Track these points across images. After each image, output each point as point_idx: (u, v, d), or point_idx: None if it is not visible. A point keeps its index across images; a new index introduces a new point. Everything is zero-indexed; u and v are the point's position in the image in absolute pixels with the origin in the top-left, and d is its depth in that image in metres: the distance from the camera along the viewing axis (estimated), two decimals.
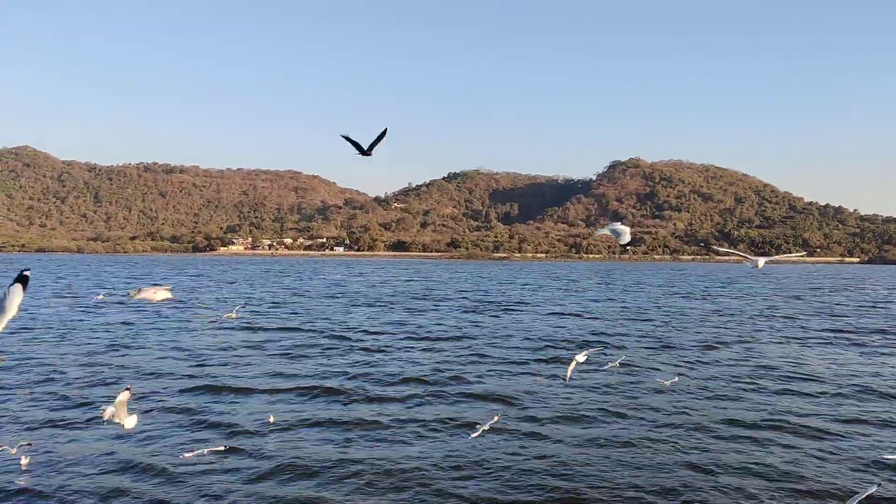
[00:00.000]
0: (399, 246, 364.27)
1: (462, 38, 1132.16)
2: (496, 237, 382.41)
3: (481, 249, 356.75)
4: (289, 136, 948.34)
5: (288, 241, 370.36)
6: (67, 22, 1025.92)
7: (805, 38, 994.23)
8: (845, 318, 51.49)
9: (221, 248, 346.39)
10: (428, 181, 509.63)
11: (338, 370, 26.91)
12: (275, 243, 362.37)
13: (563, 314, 52.40)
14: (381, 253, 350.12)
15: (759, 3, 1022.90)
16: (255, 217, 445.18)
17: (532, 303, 63.18)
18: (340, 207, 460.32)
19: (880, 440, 17.92)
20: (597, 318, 49.41)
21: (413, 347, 33.88)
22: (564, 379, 13.96)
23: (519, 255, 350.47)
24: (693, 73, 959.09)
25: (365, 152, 9.19)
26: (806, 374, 27.11)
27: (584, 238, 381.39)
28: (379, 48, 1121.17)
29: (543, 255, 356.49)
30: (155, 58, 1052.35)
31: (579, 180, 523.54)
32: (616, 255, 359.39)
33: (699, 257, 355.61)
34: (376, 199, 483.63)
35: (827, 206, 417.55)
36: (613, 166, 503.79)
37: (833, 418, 20.18)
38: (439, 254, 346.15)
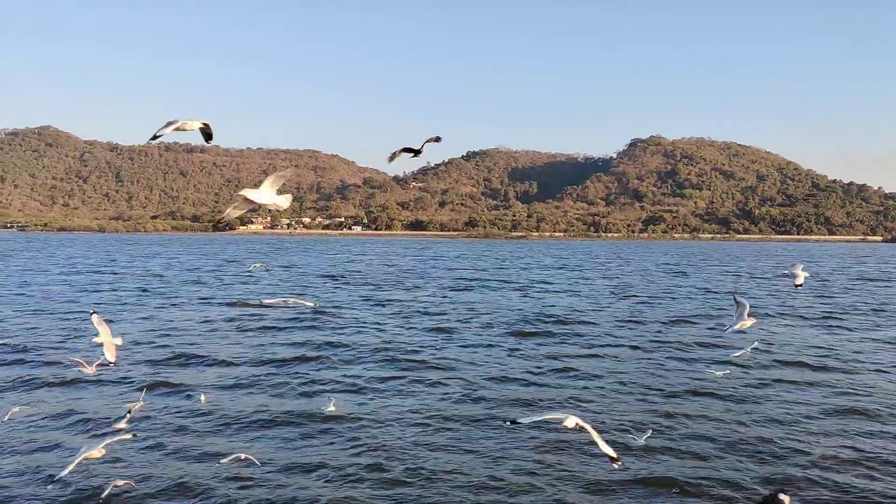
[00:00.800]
0: (416, 225, 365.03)
1: (481, 16, 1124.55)
2: (514, 216, 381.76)
3: (499, 228, 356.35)
4: (308, 115, 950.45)
5: (306, 220, 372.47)
6: (87, 2, 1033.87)
7: (827, 12, 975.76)
8: (829, 298, 51.87)
9: (241, 227, 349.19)
10: (446, 160, 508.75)
11: (300, 343, 28.19)
12: (293, 222, 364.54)
13: (548, 292, 53.31)
14: (398, 232, 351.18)
15: None
16: None
17: (522, 281, 64.13)
18: (359, 187, 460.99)
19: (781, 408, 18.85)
20: (579, 296, 50.25)
21: (385, 323, 35.08)
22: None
23: (536, 234, 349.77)
24: (715, 50, 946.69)
25: (417, 152, 9.26)
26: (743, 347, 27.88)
27: (602, 217, 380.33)
28: (397, 27, 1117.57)
29: (561, 233, 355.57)
30: (174, 39, 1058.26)
31: (599, 158, 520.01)
32: (635, 234, 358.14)
33: (718, 236, 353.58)
34: (395, 178, 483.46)
35: (851, 183, 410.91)
36: (634, 144, 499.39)
37: (740, 385, 21.12)
38: (457, 233, 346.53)
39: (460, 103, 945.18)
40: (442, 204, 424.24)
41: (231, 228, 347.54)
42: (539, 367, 23.86)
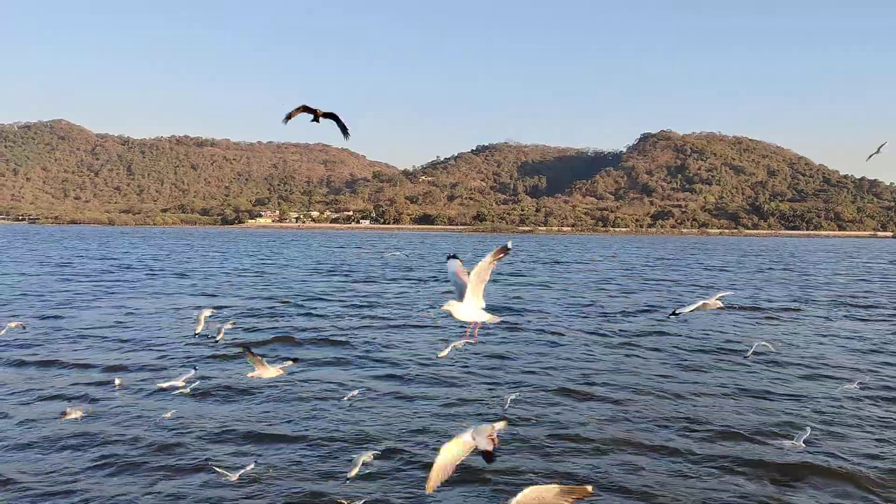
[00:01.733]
0: (425, 219, 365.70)
1: (490, 10, 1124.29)
2: (522, 210, 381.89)
3: (506, 223, 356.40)
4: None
5: (315, 214, 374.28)
6: (101, 9, 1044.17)
7: (840, 6, 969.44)
8: (799, 291, 52.31)
9: (249, 221, 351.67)
10: (456, 154, 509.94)
11: (243, 329, 29.14)
12: (302, 216, 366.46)
13: (521, 284, 54.01)
14: (406, 226, 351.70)
15: None
16: (285, 190, 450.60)
17: (501, 273, 64.83)
18: (368, 181, 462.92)
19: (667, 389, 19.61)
20: (549, 288, 50.94)
21: (336, 312, 35.97)
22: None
23: (544, 228, 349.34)
24: (727, 43, 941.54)
25: (315, 116, 8.54)
26: (678, 336, 28.64)
27: (611, 211, 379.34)
28: (407, 21, 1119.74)
29: (569, 228, 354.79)
30: (186, 35, 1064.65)
31: (609, 153, 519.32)
32: (643, 229, 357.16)
33: (727, 231, 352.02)
34: (404, 172, 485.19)
35: (862, 179, 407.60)
36: (644, 138, 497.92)
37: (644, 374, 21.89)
38: (464, 227, 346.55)
39: (470, 96, 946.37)
40: (451, 198, 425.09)
41: (240, 222, 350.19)
42: (459, 350, 24.71)
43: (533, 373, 21.76)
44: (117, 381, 18.96)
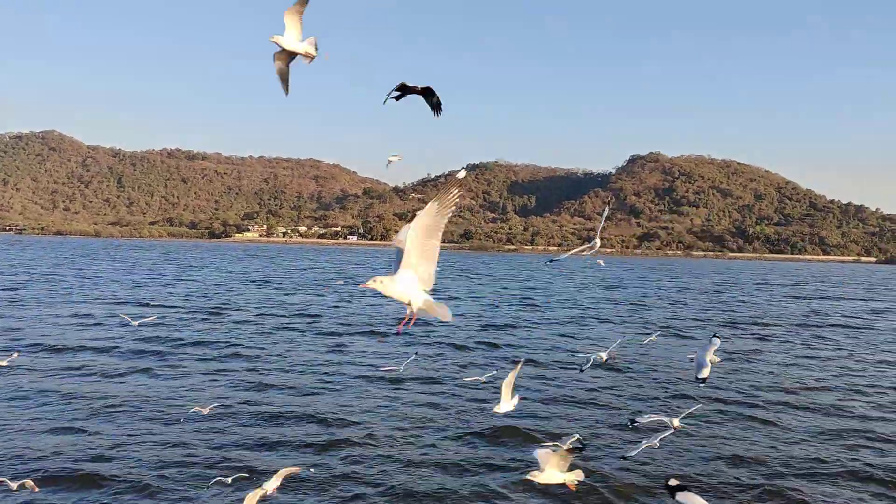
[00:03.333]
0: None
1: (483, 30, 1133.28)
2: (510, 229, 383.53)
3: (493, 241, 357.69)
4: (310, 124, 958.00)
5: (302, 228, 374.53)
6: (92, 11, 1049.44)
7: (827, 31, 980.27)
8: (723, 311, 53.85)
9: (237, 235, 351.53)
10: (447, 172, 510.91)
11: (157, 336, 30.57)
12: (289, 231, 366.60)
13: (459, 297, 55.49)
14: (392, 242, 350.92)
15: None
16: (274, 205, 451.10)
17: (451, 288, 66.38)
18: (359, 197, 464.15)
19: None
20: (479, 303, 52.41)
21: (246, 321, 37.41)
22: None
23: (530, 247, 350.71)
24: (719, 68, 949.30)
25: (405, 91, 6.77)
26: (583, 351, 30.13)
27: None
28: (399, 39, 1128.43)
29: (555, 248, 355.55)
30: (179, 46, 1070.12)
31: (598, 174, 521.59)
32: (629, 250, 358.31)
33: (711, 254, 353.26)
34: (395, 189, 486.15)
35: (849, 204, 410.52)
36: (633, 160, 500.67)
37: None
38: (451, 245, 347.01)
39: (462, 115, 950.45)
40: None
41: (227, 236, 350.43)
42: (334, 359, 26.25)
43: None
44: None
